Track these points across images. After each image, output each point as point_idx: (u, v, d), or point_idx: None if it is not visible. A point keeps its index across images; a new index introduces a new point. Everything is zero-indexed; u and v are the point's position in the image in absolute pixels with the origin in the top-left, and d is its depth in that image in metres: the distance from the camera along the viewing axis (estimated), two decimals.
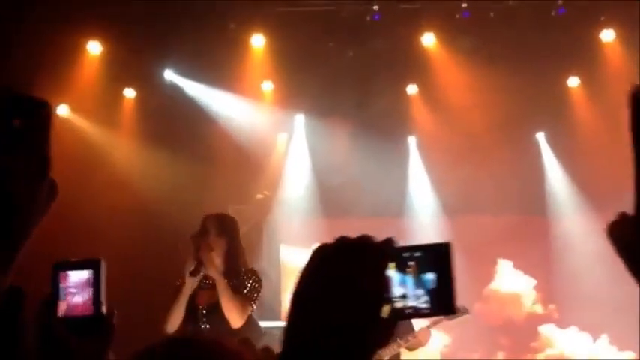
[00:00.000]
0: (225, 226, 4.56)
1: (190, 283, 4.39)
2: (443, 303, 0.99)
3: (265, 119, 8.23)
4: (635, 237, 0.84)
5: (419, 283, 0.99)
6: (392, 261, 0.98)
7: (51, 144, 0.84)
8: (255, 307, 4.50)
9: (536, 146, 8.71)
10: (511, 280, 8.69)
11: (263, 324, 4.77)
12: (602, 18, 7.54)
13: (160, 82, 7.93)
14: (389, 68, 7.71)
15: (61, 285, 1.44)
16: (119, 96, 7.99)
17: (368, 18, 7.39)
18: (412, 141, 8.70)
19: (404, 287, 0.99)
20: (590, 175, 7.97)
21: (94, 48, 7.53)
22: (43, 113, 0.84)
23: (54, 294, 1.43)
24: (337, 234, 0.97)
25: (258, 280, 4.52)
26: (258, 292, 4.49)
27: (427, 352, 6.55)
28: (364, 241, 0.95)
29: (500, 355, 8.52)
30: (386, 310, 0.95)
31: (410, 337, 5.54)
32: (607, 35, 7.63)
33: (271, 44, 7.63)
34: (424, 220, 8.49)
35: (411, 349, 5.70)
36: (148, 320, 4.42)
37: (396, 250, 0.99)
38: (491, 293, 8.67)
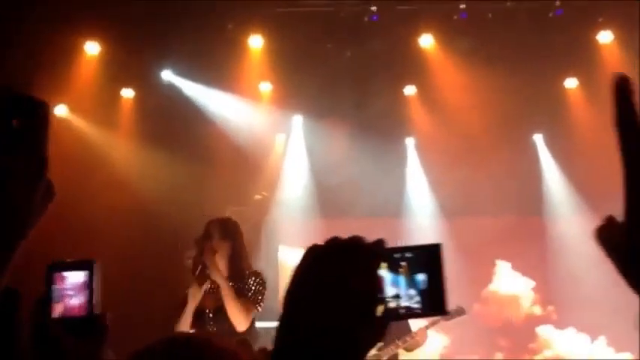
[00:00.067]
0: (228, 230, 4.57)
1: (196, 294, 4.40)
2: (434, 303, 0.99)
3: (263, 120, 8.22)
4: (625, 239, 0.84)
5: (411, 283, 0.99)
6: (384, 261, 0.98)
7: (49, 144, 0.84)
8: (260, 309, 4.51)
9: (534, 147, 8.72)
10: (509, 282, 8.69)
11: (261, 324, 4.77)
12: (600, 19, 7.55)
13: (158, 83, 7.92)
14: (387, 69, 7.71)
15: (58, 287, 1.46)
16: (117, 96, 7.98)
17: (366, 19, 7.38)
18: (410, 142, 8.70)
19: (396, 287, 0.99)
20: (588, 176, 7.96)
21: (93, 48, 7.52)
22: (41, 113, 0.84)
23: (48, 293, 1.45)
24: (335, 234, 0.97)
25: (263, 283, 4.53)
26: (263, 294, 4.50)
27: (426, 353, 6.54)
28: (356, 242, 0.95)
29: (499, 356, 8.51)
30: (379, 309, 0.95)
31: (408, 338, 5.55)
32: (605, 36, 7.63)
33: (269, 45, 7.63)
34: (422, 221, 8.49)
35: (409, 349, 5.70)
36: (147, 320, 4.43)
37: (387, 251, 0.99)
38: (490, 295, 8.67)
